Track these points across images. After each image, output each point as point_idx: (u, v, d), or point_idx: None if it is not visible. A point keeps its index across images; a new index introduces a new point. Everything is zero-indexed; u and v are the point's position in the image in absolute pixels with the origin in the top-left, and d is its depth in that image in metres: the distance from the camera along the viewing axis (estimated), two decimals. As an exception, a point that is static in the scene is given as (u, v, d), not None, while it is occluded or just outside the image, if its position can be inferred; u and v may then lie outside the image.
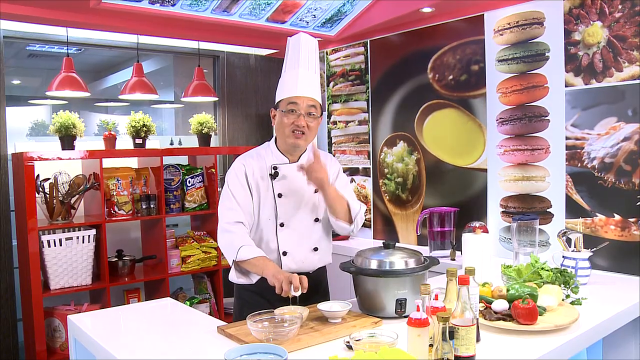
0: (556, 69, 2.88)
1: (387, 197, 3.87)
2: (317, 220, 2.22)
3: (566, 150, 2.86)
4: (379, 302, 1.94)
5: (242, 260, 2.03)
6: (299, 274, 2.03)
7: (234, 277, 2.15)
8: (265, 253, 2.09)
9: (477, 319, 1.66)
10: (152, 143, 3.86)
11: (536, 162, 3.00)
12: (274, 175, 2.16)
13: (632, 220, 2.64)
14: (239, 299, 2.28)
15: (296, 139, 2.13)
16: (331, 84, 4.24)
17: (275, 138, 2.24)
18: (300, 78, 2.13)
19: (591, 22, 2.73)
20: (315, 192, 2.20)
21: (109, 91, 4.63)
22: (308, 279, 2.00)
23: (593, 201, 2.77)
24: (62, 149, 3.32)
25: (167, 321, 2.12)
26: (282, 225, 2.17)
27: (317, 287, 2.25)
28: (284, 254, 2.18)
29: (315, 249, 2.23)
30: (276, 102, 2.20)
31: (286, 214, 2.17)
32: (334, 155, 4.25)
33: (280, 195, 2.17)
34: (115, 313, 2.23)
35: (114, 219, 3.45)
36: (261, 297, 2.16)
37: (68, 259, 3.24)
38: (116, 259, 3.55)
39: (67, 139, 3.31)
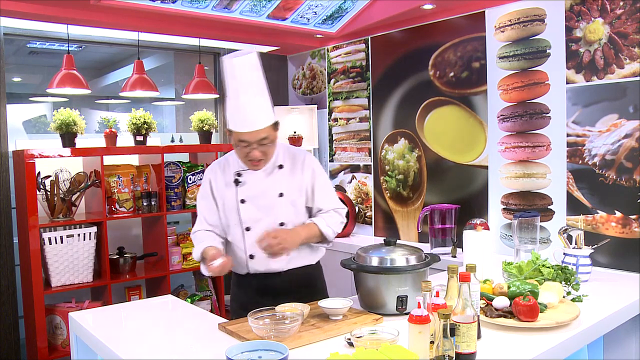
0: (557, 66, 2.88)
1: (388, 194, 3.87)
2: (281, 224, 2.20)
3: (567, 147, 2.86)
4: (380, 299, 1.94)
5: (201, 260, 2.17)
6: (268, 274, 2.21)
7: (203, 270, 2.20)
8: (235, 256, 2.23)
9: (478, 316, 1.66)
10: (153, 140, 3.85)
11: (537, 159, 3.00)
12: (237, 182, 2.19)
13: (633, 217, 2.64)
14: (231, 292, 2.42)
15: (255, 166, 2.15)
16: (332, 81, 4.24)
17: None
18: (243, 110, 2.02)
19: (592, 19, 2.72)
20: (280, 196, 2.19)
21: (110, 88, 4.63)
22: (281, 278, 2.20)
23: (594, 198, 2.77)
24: (63, 147, 3.32)
25: (168, 318, 2.13)
26: (247, 229, 2.20)
27: (291, 288, 2.24)
28: (251, 257, 2.22)
29: None
30: (228, 126, 2.11)
31: (250, 218, 2.19)
32: (334, 153, 4.25)
33: (243, 201, 2.19)
34: (117, 310, 2.23)
35: (115, 216, 3.45)
36: (239, 289, 2.33)
37: (69, 256, 3.25)
38: (117, 256, 3.55)
39: (68, 136, 3.31)
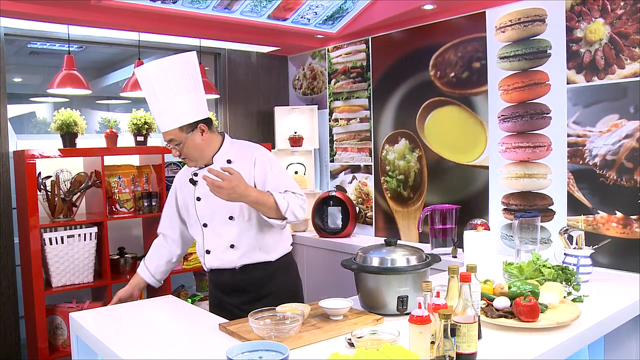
0: (558, 66, 2.87)
1: (389, 195, 3.87)
2: (231, 218, 2.24)
3: (568, 147, 2.86)
4: (380, 299, 1.94)
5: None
6: (224, 270, 2.30)
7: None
8: (200, 251, 2.37)
9: (479, 316, 1.66)
10: (153, 140, 3.86)
11: (538, 159, 2.99)
12: (193, 181, 2.31)
13: (633, 217, 2.63)
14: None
15: (184, 162, 2.28)
16: (332, 81, 4.24)
17: None
18: (155, 114, 2.19)
19: (593, 19, 2.72)
20: None
21: (110, 89, 4.63)
22: (235, 275, 2.28)
23: (595, 198, 2.77)
24: (64, 147, 3.32)
25: (168, 319, 2.13)
26: (205, 225, 2.31)
27: (247, 287, 2.31)
28: (207, 252, 2.32)
29: (232, 246, 2.26)
30: None
31: (205, 215, 2.29)
32: (334, 153, 4.25)
33: (199, 199, 2.30)
34: (117, 310, 2.23)
35: (115, 216, 3.46)
36: (209, 285, 2.50)
37: (70, 256, 3.25)
38: (118, 256, 3.56)
39: (69, 136, 3.31)
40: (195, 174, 2.31)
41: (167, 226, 2.49)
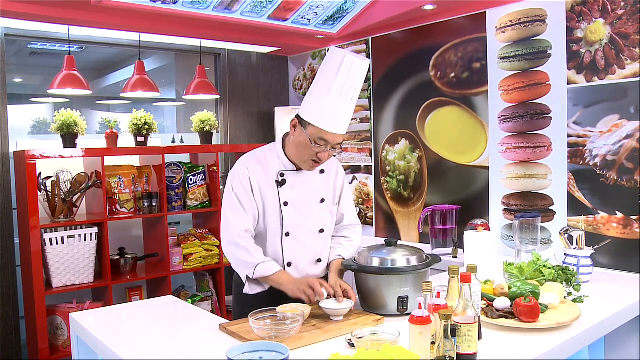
0: (558, 67, 2.88)
1: (389, 195, 3.87)
2: (322, 231, 2.17)
3: (568, 147, 2.86)
4: (381, 299, 1.94)
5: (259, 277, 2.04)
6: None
7: (248, 290, 2.09)
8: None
9: (479, 317, 1.66)
10: (153, 141, 3.86)
11: (538, 159, 2.99)
12: (280, 183, 2.08)
13: (634, 218, 2.63)
14: (237, 298, 2.25)
15: (311, 168, 2.09)
16: (333, 81, 4.24)
17: (284, 143, 2.13)
18: (344, 115, 1.99)
19: (593, 20, 2.72)
20: (322, 202, 2.16)
21: (111, 89, 4.63)
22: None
23: (595, 199, 2.77)
24: (64, 147, 3.32)
25: (169, 319, 2.13)
26: (287, 234, 2.10)
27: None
28: (289, 264, 2.12)
29: (319, 260, 2.18)
30: (307, 118, 2.00)
31: (292, 223, 2.09)
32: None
33: (286, 204, 2.08)
34: (118, 311, 2.23)
35: (116, 217, 3.45)
36: (257, 300, 2.10)
37: (70, 257, 3.25)
38: (118, 256, 3.56)
39: (69, 137, 3.31)
40: (282, 174, 2.09)
41: (253, 220, 2.09)
